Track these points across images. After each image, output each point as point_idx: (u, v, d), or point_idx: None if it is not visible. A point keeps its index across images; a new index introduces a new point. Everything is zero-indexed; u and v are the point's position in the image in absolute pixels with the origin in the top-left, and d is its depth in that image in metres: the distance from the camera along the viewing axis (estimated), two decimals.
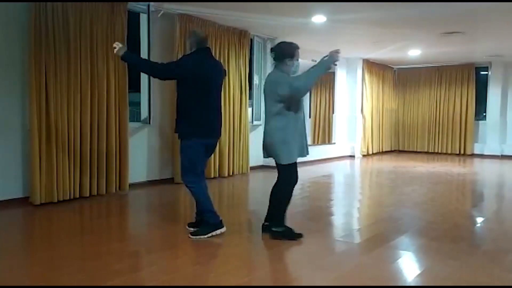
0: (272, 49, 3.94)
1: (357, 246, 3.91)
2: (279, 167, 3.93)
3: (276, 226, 3.93)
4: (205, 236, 3.86)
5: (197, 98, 3.85)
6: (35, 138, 4.93)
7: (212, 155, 4.47)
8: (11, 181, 5.02)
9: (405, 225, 4.62)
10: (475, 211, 5.64)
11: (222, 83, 4.14)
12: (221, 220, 3.98)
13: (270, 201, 4.03)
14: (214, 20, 7.01)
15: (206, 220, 3.96)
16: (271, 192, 4.04)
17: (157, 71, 4.03)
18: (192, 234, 3.91)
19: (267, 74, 8.36)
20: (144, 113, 6.56)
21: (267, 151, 3.95)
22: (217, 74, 4.04)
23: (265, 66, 8.57)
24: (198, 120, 3.86)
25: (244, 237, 4.14)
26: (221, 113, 4.11)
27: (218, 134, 4.10)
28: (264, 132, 3.95)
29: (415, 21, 7.08)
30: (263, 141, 3.96)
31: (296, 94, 3.78)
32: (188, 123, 3.88)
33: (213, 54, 6.81)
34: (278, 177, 3.98)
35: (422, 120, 12.56)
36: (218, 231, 3.93)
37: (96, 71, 5.51)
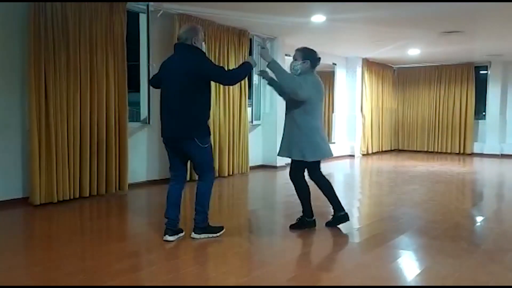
0: (319, 57, 4.23)
1: (357, 246, 3.92)
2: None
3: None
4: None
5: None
6: (35, 138, 4.93)
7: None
8: (11, 181, 5.03)
9: (405, 224, 4.62)
10: (475, 210, 5.64)
11: (186, 79, 3.64)
12: (169, 229, 3.80)
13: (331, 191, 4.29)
14: (213, 20, 7.00)
15: None
16: (327, 184, 4.28)
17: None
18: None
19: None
20: (143, 113, 6.56)
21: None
22: (172, 70, 3.72)
23: (265, 65, 8.54)
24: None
25: (244, 237, 4.15)
26: (183, 110, 3.67)
27: (170, 133, 3.78)
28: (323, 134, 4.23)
29: (414, 20, 7.08)
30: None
31: None
32: None
33: (213, 54, 6.79)
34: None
35: (421, 119, 12.56)
36: (168, 238, 3.77)
37: (96, 71, 5.50)
